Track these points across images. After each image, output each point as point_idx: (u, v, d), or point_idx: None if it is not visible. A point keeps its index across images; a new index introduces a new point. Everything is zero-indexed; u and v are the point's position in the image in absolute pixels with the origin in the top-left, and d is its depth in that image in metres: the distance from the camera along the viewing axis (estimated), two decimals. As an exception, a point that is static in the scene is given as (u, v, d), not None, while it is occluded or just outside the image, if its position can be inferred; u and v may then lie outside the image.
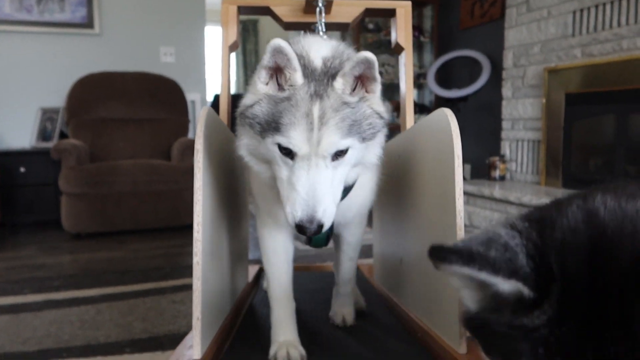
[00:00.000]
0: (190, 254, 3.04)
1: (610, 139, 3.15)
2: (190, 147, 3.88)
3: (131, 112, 4.18)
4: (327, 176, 0.90)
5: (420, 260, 1.26)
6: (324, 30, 1.42)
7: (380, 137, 1.01)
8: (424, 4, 5.14)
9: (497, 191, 3.37)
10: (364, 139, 0.93)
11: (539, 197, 3.05)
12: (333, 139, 0.88)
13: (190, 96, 4.69)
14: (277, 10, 1.52)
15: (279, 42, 0.89)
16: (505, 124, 3.97)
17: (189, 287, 2.32)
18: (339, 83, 0.91)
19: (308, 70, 0.93)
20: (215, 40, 6.95)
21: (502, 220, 0.56)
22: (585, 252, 0.44)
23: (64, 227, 3.52)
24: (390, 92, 5.17)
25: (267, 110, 0.92)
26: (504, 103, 3.97)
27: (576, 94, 3.30)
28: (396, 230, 1.50)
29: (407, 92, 1.57)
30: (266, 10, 1.55)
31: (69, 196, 3.48)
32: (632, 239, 0.41)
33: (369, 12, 1.58)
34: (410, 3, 1.55)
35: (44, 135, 4.26)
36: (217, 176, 1.19)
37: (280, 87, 0.93)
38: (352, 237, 1.31)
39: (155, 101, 4.24)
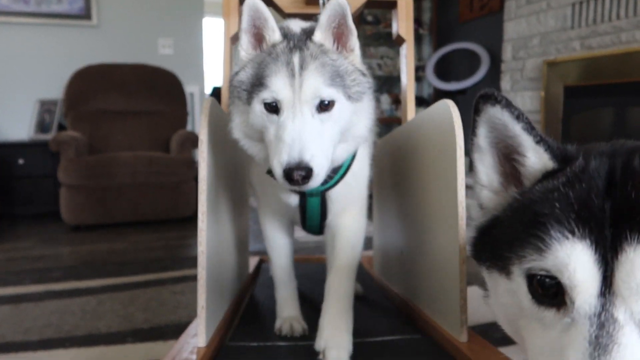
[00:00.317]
0: (190, 246, 3.05)
1: (609, 132, 3.17)
2: (189, 139, 3.88)
3: (129, 104, 4.17)
4: (314, 125, 0.90)
5: (422, 251, 1.27)
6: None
7: (368, 104, 1.03)
8: (423, -3, 5.13)
9: (495, 184, 3.38)
10: (350, 97, 0.95)
11: (537, 189, 3.06)
12: (314, 82, 0.90)
13: (188, 88, 4.68)
14: (279, 1, 1.52)
15: (254, 1, 0.94)
16: (503, 117, 3.98)
17: (189, 278, 2.33)
18: (317, 36, 0.95)
19: (288, 34, 0.98)
20: (213, 32, 6.92)
21: None
22: (604, 154, 0.53)
23: (63, 219, 3.52)
24: (389, 84, 5.17)
25: (251, 72, 0.96)
26: (502, 96, 3.97)
27: (575, 87, 3.31)
28: (397, 221, 1.51)
29: (409, 83, 1.57)
30: (268, 2, 1.54)
31: (68, 188, 3.48)
32: (635, 153, 0.51)
33: (370, 4, 1.58)
34: (411, -6, 1.56)
35: (42, 127, 4.25)
36: (220, 167, 1.20)
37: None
38: (348, 232, 1.19)
39: (154, 93, 4.23)
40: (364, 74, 0.99)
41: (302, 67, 0.91)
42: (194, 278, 2.33)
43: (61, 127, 4.23)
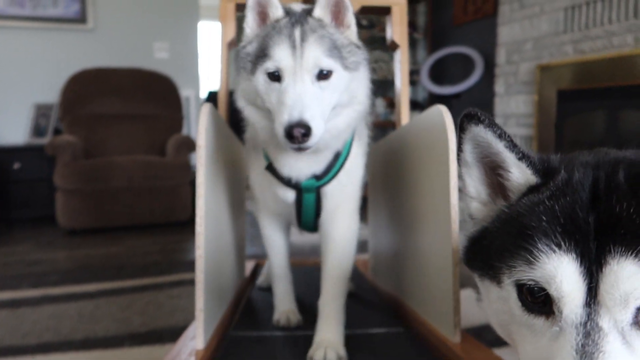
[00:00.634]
0: (186, 250, 3.06)
1: (601, 135, 3.20)
2: (185, 143, 3.89)
3: (125, 108, 4.18)
4: (314, 91, 0.98)
5: (416, 254, 1.29)
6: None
7: (364, 72, 1.11)
8: (418, 1, 5.16)
9: (489, 186, 3.41)
10: (347, 67, 1.04)
11: (531, 192, 3.08)
12: (315, 52, 0.99)
13: (184, 92, 4.69)
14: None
15: None
16: (498, 120, 3.99)
17: (186, 282, 2.34)
18: (316, 12, 1.05)
19: (290, 11, 1.08)
20: (209, 36, 6.94)
21: None
22: (587, 166, 0.55)
23: (59, 223, 3.52)
24: (384, 88, 5.20)
25: (256, 45, 1.05)
26: (496, 99, 4.01)
27: (568, 90, 3.34)
28: (391, 224, 1.53)
29: (403, 89, 1.60)
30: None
31: (64, 192, 3.48)
32: (619, 164, 0.53)
33: (364, 10, 1.61)
34: (405, 1, 1.58)
35: (38, 131, 4.25)
36: (218, 172, 1.22)
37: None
38: (342, 234, 1.23)
39: (150, 97, 4.24)
40: (358, 47, 1.08)
41: (303, 39, 0.99)
42: (190, 282, 2.34)
43: (57, 131, 4.23)
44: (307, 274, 1.79)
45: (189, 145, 3.88)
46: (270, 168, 1.18)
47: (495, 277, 0.56)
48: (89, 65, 4.21)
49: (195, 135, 4.76)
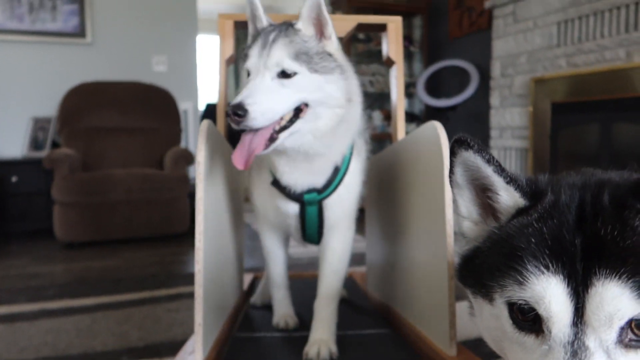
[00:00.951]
0: (184, 263, 3.07)
1: (595, 147, 3.24)
2: (183, 156, 3.90)
3: (123, 121, 4.20)
4: (269, 86, 1.10)
5: (412, 267, 1.31)
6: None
7: (340, 78, 1.18)
8: (414, 14, 5.23)
9: (486, 198, 3.43)
10: (315, 71, 1.13)
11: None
12: (278, 54, 1.10)
13: (182, 105, 4.72)
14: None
15: None
16: (493, 133, 4.05)
17: (183, 296, 2.34)
18: (298, 24, 1.15)
19: (273, 23, 1.21)
20: (207, 49, 6.99)
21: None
22: (574, 188, 0.58)
23: (57, 236, 3.52)
24: (381, 101, 5.24)
25: (246, 52, 1.19)
26: (492, 112, 4.05)
27: (562, 103, 3.38)
28: (388, 238, 1.55)
29: (399, 104, 1.62)
30: (261, 25, 1.59)
31: (62, 205, 3.49)
32: (604, 186, 0.56)
33: (361, 27, 1.64)
34: (400, 18, 1.61)
35: (36, 144, 4.26)
36: (217, 187, 1.23)
37: None
38: (338, 244, 1.37)
39: (148, 110, 4.27)
40: (330, 55, 1.17)
41: (273, 41, 1.12)
42: (188, 295, 2.34)
43: (55, 145, 4.24)
44: (305, 284, 1.80)
45: (187, 158, 3.89)
46: (276, 182, 1.27)
47: (487, 295, 0.58)
48: (87, 79, 4.23)
49: (193, 148, 4.78)
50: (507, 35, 3.83)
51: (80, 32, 4.49)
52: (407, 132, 1.58)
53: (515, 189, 0.60)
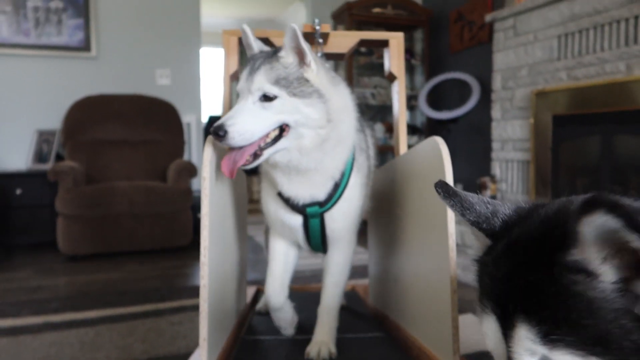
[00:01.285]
0: (187, 275, 3.07)
1: (596, 160, 3.25)
2: (186, 169, 3.92)
3: (127, 134, 4.23)
4: (252, 109, 1.19)
5: (415, 281, 1.32)
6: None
7: (316, 100, 1.24)
8: (415, 28, 5.27)
9: (488, 210, 3.43)
10: (294, 95, 1.20)
11: (529, 216, 3.11)
12: (260, 79, 1.19)
13: (185, 118, 4.75)
14: (276, 41, 1.59)
15: (245, 27, 1.34)
16: (495, 145, 4.07)
17: (187, 309, 2.34)
18: (281, 52, 1.24)
19: (263, 50, 1.33)
20: (211, 62, 7.05)
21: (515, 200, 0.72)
22: (523, 231, 0.61)
23: (60, 249, 3.53)
24: (383, 113, 5.27)
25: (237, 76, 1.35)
26: (493, 124, 4.06)
27: (563, 115, 3.40)
28: (391, 251, 1.56)
29: (400, 118, 1.64)
30: (266, 41, 1.62)
31: (66, 218, 3.50)
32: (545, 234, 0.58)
33: (363, 43, 1.66)
34: (402, 34, 1.64)
35: (40, 157, 4.29)
36: (222, 201, 1.25)
37: None
38: (340, 256, 1.46)
39: (151, 123, 4.30)
40: (307, 81, 1.24)
41: (257, 68, 1.21)
42: (192, 308, 2.35)
43: (59, 157, 4.27)
44: (309, 297, 1.80)
45: (191, 170, 3.91)
46: (281, 194, 1.35)
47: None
48: (92, 92, 4.27)
49: (196, 160, 4.81)
50: (508, 48, 3.86)
51: (85, 46, 4.54)
52: (409, 145, 1.60)
53: (479, 230, 0.67)
